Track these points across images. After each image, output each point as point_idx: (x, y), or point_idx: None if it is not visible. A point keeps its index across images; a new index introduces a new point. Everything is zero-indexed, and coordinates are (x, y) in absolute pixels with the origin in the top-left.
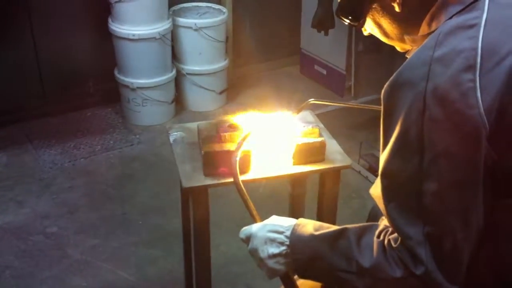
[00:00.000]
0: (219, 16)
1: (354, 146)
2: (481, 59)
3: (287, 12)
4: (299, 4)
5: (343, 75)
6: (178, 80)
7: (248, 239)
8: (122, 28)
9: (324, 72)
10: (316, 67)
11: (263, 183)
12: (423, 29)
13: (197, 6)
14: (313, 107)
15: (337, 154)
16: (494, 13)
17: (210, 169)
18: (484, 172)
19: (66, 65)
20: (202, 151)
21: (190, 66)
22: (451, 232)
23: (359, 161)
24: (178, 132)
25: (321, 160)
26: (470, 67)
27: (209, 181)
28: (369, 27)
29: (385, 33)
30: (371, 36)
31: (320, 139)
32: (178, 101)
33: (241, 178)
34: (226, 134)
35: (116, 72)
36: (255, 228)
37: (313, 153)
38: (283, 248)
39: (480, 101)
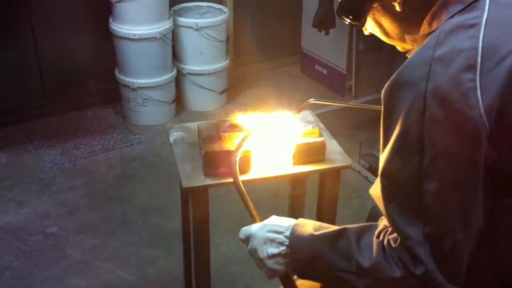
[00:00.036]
0: (220, 16)
1: (354, 146)
2: (481, 58)
3: (288, 12)
4: (300, 3)
5: (344, 74)
6: (179, 80)
7: (247, 239)
8: (122, 28)
9: (325, 71)
10: (316, 66)
11: (262, 183)
12: (424, 28)
13: (198, 5)
14: (313, 107)
15: (337, 154)
16: (494, 13)
17: (210, 169)
18: (484, 172)
19: (67, 65)
20: (202, 151)
21: (191, 66)
22: (451, 232)
23: (359, 161)
24: (178, 132)
25: (321, 160)
26: (471, 67)
27: (209, 181)
28: (370, 27)
29: (386, 33)
30: (371, 36)
31: (320, 139)
32: (179, 101)
33: (241, 178)
34: (226, 134)
35: (116, 72)
36: (254, 228)
37: (313, 153)
38: (283, 248)
39: (480, 101)
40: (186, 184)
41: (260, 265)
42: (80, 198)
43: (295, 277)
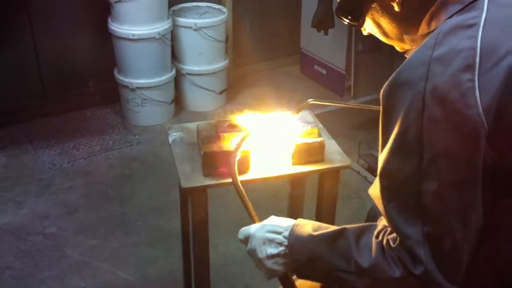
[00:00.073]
0: (219, 16)
1: (353, 146)
2: (480, 58)
3: (287, 12)
4: (299, 3)
5: (343, 75)
6: (178, 80)
7: (246, 239)
8: (122, 28)
9: (324, 72)
10: (316, 67)
11: (262, 183)
12: (423, 28)
13: (197, 6)
14: (312, 107)
15: (336, 154)
16: (493, 13)
17: (209, 169)
18: (483, 172)
19: (66, 65)
20: (201, 152)
21: (190, 66)
22: (451, 232)
23: (358, 161)
24: (178, 133)
25: (320, 160)
26: (469, 67)
27: (208, 182)
28: (369, 27)
29: (385, 33)
30: (370, 36)
31: (319, 139)
32: (178, 101)
33: (240, 178)
34: (225, 134)
35: (115, 72)
36: (253, 228)
37: (312, 153)
38: (282, 248)
39: (479, 101)
40: (185, 184)
41: (259, 265)
42: (79, 198)
43: (294, 277)
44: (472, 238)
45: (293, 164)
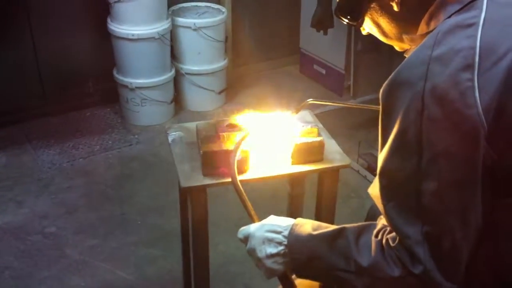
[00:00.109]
0: (218, 16)
1: (353, 145)
2: (479, 58)
3: (287, 12)
4: (298, 3)
5: (342, 74)
6: (177, 80)
7: (246, 239)
8: (121, 28)
9: (324, 71)
10: (315, 66)
11: (261, 183)
12: (422, 28)
13: (196, 6)
14: (312, 107)
15: (336, 154)
16: (492, 12)
17: (209, 169)
18: (483, 172)
19: (65, 65)
20: (201, 151)
21: (189, 66)
22: (450, 232)
23: (358, 161)
24: (177, 132)
25: (320, 159)
26: (469, 66)
27: (207, 181)
28: (368, 27)
29: (384, 33)
30: (370, 36)
31: (318, 138)
32: (177, 101)
33: (240, 178)
34: (225, 134)
35: (115, 72)
36: (253, 228)
37: (312, 152)
38: (281, 248)
39: (478, 100)
40: (185, 184)
41: (258, 264)
42: (79, 198)
43: (293, 276)
44: (471, 237)
45: (292, 164)
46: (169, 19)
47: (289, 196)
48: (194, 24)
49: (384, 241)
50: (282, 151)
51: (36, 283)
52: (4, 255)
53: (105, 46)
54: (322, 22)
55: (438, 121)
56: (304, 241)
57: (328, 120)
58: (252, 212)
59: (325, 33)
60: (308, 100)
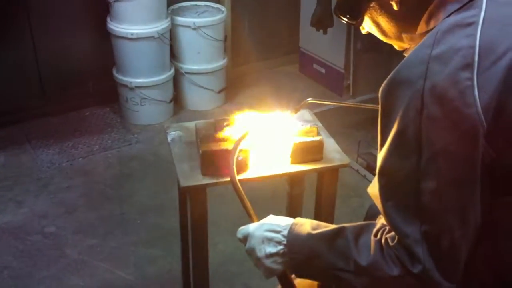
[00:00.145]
0: (217, 15)
1: (352, 145)
2: (478, 57)
3: (286, 11)
4: (298, 2)
5: (342, 73)
6: (177, 79)
7: (245, 238)
8: (120, 27)
9: (323, 71)
10: (315, 66)
11: (260, 182)
12: (421, 27)
13: (196, 5)
14: (311, 106)
15: (335, 153)
16: (491, 11)
17: (208, 168)
18: (482, 170)
19: (65, 65)
20: (200, 151)
21: (189, 65)
22: (449, 230)
23: (357, 160)
24: (176, 132)
25: (319, 159)
26: (468, 65)
27: (206, 181)
28: (367, 26)
29: (383, 32)
30: (369, 35)
31: (318, 138)
32: (177, 100)
33: (239, 177)
34: (224, 133)
35: (114, 72)
36: (252, 227)
37: (311, 152)
38: (280, 247)
39: (477, 99)
40: (184, 183)
41: (257, 264)
42: (78, 197)
43: (293, 276)
44: (470, 236)
45: (291, 163)
46: (169, 18)
47: (288, 195)
48: (194, 23)
49: (383, 240)
50: (282, 151)
51: (35, 283)
52: (3, 255)
53: (105, 45)
54: (322, 21)
55: (437, 120)
56: (303, 240)
57: (327, 119)
58: (251, 212)
59: (325, 32)
60: (307, 99)
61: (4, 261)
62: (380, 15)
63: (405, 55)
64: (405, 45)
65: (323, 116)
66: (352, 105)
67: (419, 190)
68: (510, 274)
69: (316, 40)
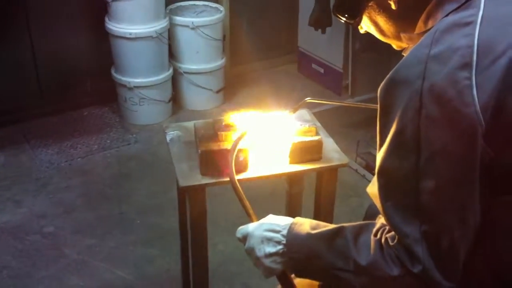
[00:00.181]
0: (216, 15)
1: (351, 144)
2: (477, 57)
3: (285, 11)
4: (297, 2)
5: (340, 73)
6: (175, 79)
7: (244, 238)
8: (119, 27)
9: (322, 70)
10: (313, 65)
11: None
12: (420, 27)
13: (194, 4)
14: (310, 106)
15: (334, 153)
16: (490, 11)
17: (207, 168)
18: (480, 170)
19: (64, 65)
20: (199, 150)
21: (187, 65)
22: (448, 230)
23: (356, 160)
24: (175, 131)
25: (318, 158)
26: (466, 65)
27: (205, 180)
28: (366, 25)
29: (382, 31)
30: (368, 34)
31: (317, 137)
32: (175, 100)
33: (238, 177)
34: (223, 133)
35: (113, 71)
36: (251, 227)
37: (310, 151)
38: (280, 247)
39: (476, 99)
40: (183, 183)
41: (257, 264)
42: (77, 197)
43: (292, 276)
44: (469, 236)
45: (290, 163)
46: (167, 18)
47: (287, 194)
48: (192, 23)
49: (383, 240)
50: (281, 150)
51: (34, 282)
52: (2, 255)
53: (103, 45)
54: (320, 21)
55: (436, 119)
56: (302, 240)
57: (326, 119)
58: (251, 211)
59: (323, 31)
60: (306, 99)
61: (3, 260)
62: (378, 14)
63: (404, 54)
64: (404, 45)
65: (322, 116)
66: (351, 105)
67: (418, 189)
68: (509, 273)
69: (315, 40)
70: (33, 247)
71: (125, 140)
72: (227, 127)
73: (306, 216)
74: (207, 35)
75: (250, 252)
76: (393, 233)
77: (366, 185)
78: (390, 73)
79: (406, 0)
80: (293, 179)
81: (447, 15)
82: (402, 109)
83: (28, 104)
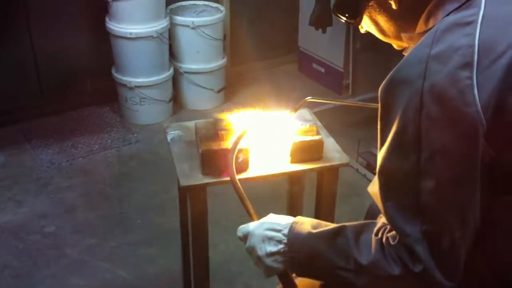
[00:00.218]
0: (216, 15)
1: (352, 144)
2: (478, 56)
3: (285, 10)
4: (297, 2)
5: (341, 73)
6: (176, 79)
7: (245, 237)
8: (119, 26)
9: (322, 70)
10: (314, 65)
11: (260, 181)
12: (420, 26)
13: (195, 4)
14: (311, 105)
15: (335, 152)
16: (490, 10)
17: (208, 167)
18: (481, 169)
19: (64, 65)
20: (200, 150)
21: (188, 64)
22: (449, 230)
23: (357, 159)
24: (176, 131)
25: (319, 158)
26: (467, 64)
27: (206, 180)
28: (366, 25)
29: (382, 31)
30: (368, 34)
31: (318, 137)
32: (176, 100)
33: (239, 176)
34: (223, 132)
35: (113, 71)
36: (252, 226)
37: (311, 151)
38: (281, 246)
39: (477, 98)
40: (184, 182)
41: (258, 263)
42: (78, 197)
43: (293, 275)
44: (470, 235)
45: (291, 162)
46: (167, 18)
47: (288, 194)
48: (193, 22)
49: (384, 239)
50: (281, 150)
51: (35, 282)
52: (3, 255)
53: (104, 45)
54: (321, 20)
55: (436, 119)
56: (304, 239)
57: (327, 119)
58: (251, 211)
59: (324, 31)
60: (307, 98)
61: (4, 260)
62: (379, 14)
63: (404, 54)
64: (404, 44)
65: (322, 115)
66: (351, 104)
67: (419, 189)
68: (510, 273)
69: (315, 40)
70: (34, 246)
71: (126, 139)
72: (228, 126)
73: (307, 216)
74: (208, 35)
75: (251, 251)
76: (394, 232)
77: (367, 185)
78: (391, 72)
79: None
80: (294, 179)
81: (447, 15)
82: (402, 108)
83: (29, 104)
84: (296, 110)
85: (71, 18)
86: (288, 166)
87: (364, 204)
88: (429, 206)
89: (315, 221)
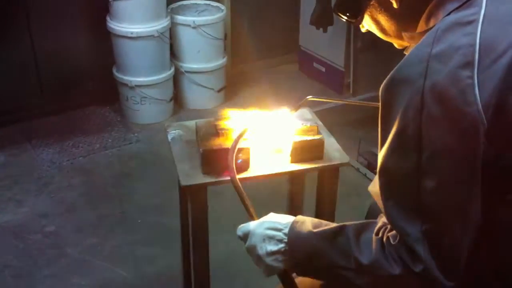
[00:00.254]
0: (217, 14)
1: (353, 143)
2: (479, 55)
3: (286, 10)
4: (298, 1)
5: (342, 72)
6: (177, 78)
7: (245, 236)
8: (120, 26)
9: (323, 69)
10: (315, 64)
11: (261, 181)
12: (421, 26)
13: (196, 3)
14: (311, 105)
15: (335, 152)
16: (491, 9)
17: (208, 167)
18: (482, 169)
19: (65, 64)
20: (201, 149)
21: (189, 64)
22: (450, 229)
23: (357, 159)
24: (176, 130)
25: (320, 157)
26: (468, 64)
27: (207, 179)
28: (367, 24)
29: (383, 30)
30: (369, 33)
31: (318, 136)
32: (177, 99)
33: (239, 176)
34: (224, 132)
35: (114, 70)
36: (252, 225)
37: (312, 150)
38: (282, 245)
39: (478, 97)
40: (185, 182)
41: (258, 262)
42: (78, 196)
43: (294, 274)
44: (471, 235)
45: (291, 162)
46: (168, 17)
47: (288, 193)
48: (194, 22)
49: (385, 239)
50: (282, 149)
51: (36, 282)
52: (4, 254)
53: (105, 44)
54: (321, 19)
55: (437, 118)
56: (304, 238)
57: (327, 118)
58: (252, 210)
59: (325, 30)
60: (307, 97)
61: (5, 260)
62: (380, 13)
63: (405, 53)
64: (405, 44)
65: (323, 115)
66: (352, 103)
67: (419, 189)
68: (511, 273)
69: (316, 39)
70: (35, 246)
71: (127, 139)
72: (228, 126)
73: (307, 215)
74: (209, 34)
75: (251, 250)
76: (394, 232)
77: (368, 184)
78: (392, 72)
79: None
80: (294, 178)
81: (448, 14)
82: (403, 108)
83: (30, 103)
84: (296, 109)
85: (71, 18)
86: (288, 165)
87: (364, 203)
88: (429, 205)
89: (316, 220)
